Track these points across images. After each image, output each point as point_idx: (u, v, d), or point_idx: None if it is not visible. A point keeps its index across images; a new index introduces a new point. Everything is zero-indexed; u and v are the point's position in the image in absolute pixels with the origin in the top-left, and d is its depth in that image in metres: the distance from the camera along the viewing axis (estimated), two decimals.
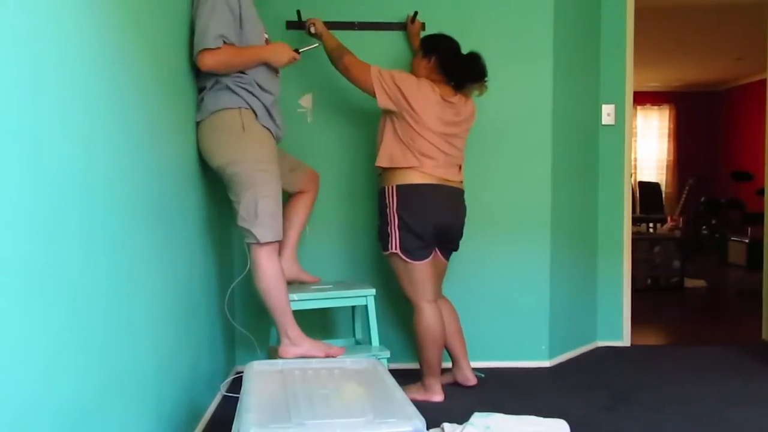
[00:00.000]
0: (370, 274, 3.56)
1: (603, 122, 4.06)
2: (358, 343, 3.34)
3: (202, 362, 2.78)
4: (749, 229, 7.86)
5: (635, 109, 10.28)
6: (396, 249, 2.98)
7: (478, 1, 3.59)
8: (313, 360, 2.43)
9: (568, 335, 3.84)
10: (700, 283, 6.41)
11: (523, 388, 3.25)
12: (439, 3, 3.57)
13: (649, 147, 10.81)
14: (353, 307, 3.36)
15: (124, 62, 1.85)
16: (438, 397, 3.06)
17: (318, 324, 3.56)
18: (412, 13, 3.50)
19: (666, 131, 10.80)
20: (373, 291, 3.09)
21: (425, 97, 2.99)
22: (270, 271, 2.70)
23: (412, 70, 3.18)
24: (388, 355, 3.03)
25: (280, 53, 2.76)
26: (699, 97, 10.76)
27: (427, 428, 1.70)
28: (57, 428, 1.41)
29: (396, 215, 2.97)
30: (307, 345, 2.77)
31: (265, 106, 2.74)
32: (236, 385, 2.91)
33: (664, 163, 10.82)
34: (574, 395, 3.16)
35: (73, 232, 1.49)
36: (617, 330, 4.12)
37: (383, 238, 3.03)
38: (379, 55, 3.53)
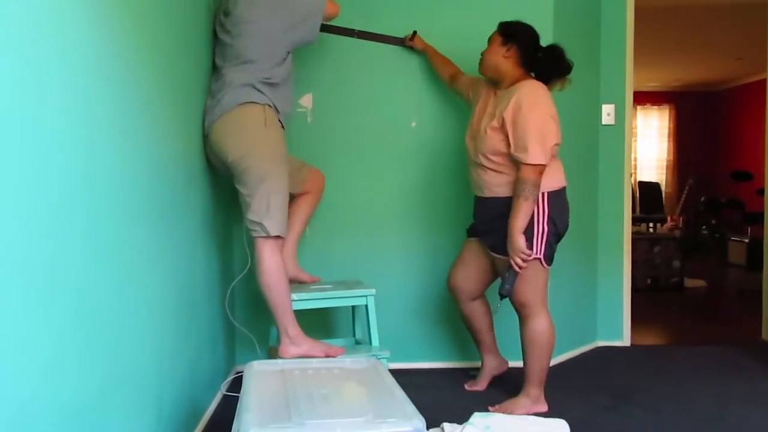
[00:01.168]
0: (370, 274, 3.55)
1: (603, 122, 4.06)
2: (358, 343, 3.34)
3: (202, 362, 2.78)
4: (749, 229, 7.86)
5: (635, 108, 10.28)
6: (541, 255, 2.86)
7: (478, 2, 3.59)
8: (313, 360, 2.43)
9: (568, 335, 3.84)
10: (700, 283, 6.41)
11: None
12: (439, 3, 3.57)
13: (649, 147, 10.82)
14: (353, 307, 3.36)
15: (125, 61, 1.84)
16: (545, 407, 2.94)
17: (318, 324, 3.56)
18: (411, 33, 3.51)
19: (666, 131, 10.81)
20: (373, 291, 3.09)
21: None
22: (274, 266, 2.72)
23: (486, 60, 3.02)
24: (388, 355, 3.02)
25: None
26: (699, 97, 10.76)
27: (427, 428, 1.70)
28: (57, 428, 1.41)
29: (547, 221, 2.85)
30: (307, 345, 2.76)
31: (282, 109, 2.85)
32: (236, 385, 2.91)
33: (664, 163, 10.82)
34: (574, 395, 3.16)
35: (73, 231, 1.49)
36: (617, 330, 4.12)
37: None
38: (377, 66, 3.54)
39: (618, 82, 4.07)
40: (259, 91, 2.75)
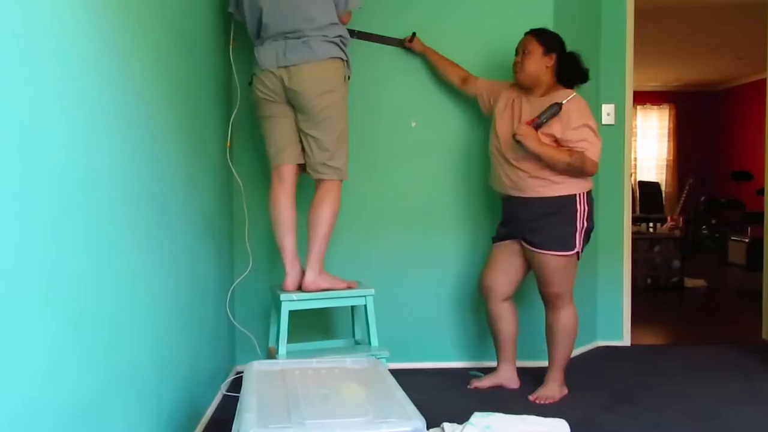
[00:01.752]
0: (370, 274, 3.55)
1: (603, 122, 4.06)
2: (357, 343, 3.34)
3: (202, 362, 2.78)
4: (749, 229, 7.86)
5: (635, 108, 10.28)
6: (580, 249, 3.10)
7: (477, 2, 3.59)
8: (313, 360, 2.43)
9: None
10: (700, 282, 6.41)
11: (524, 388, 3.25)
12: (439, 4, 3.57)
13: (649, 147, 10.82)
14: (352, 307, 3.36)
15: (125, 63, 1.84)
16: (566, 390, 3.18)
17: (317, 324, 3.56)
18: (411, 34, 3.51)
19: (666, 131, 10.81)
20: (372, 291, 3.10)
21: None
22: (338, 207, 3.04)
23: (528, 68, 3.08)
24: (388, 355, 3.02)
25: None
26: (699, 97, 10.76)
27: (427, 428, 1.70)
28: (57, 428, 1.41)
29: (587, 218, 3.09)
30: (330, 279, 3.07)
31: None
32: (236, 385, 2.91)
33: (664, 163, 10.82)
34: (574, 395, 3.16)
35: (74, 232, 1.49)
36: (617, 330, 4.12)
37: (567, 240, 3.06)
38: (377, 66, 3.54)
39: (618, 82, 4.07)
40: (341, 48, 2.98)
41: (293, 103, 2.97)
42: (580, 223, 3.06)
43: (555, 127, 2.99)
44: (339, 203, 3.05)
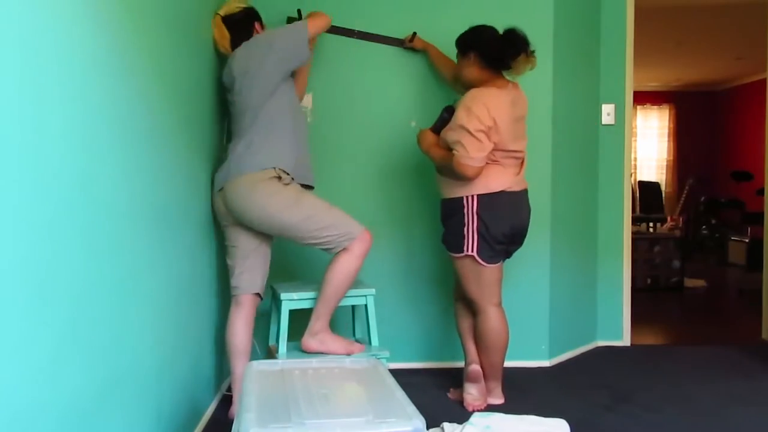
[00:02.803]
0: (370, 274, 3.55)
1: (603, 122, 4.06)
2: (357, 342, 3.33)
3: (202, 362, 2.78)
4: (749, 229, 7.86)
5: (635, 108, 10.28)
6: (473, 252, 2.95)
7: (477, 2, 3.59)
8: (313, 359, 2.43)
9: (568, 335, 3.84)
10: (700, 282, 6.41)
11: (523, 388, 3.25)
12: (439, 4, 3.57)
13: (649, 147, 10.82)
14: (353, 307, 3.36)
15: (126, 64, 1.84)
16: (499, 400, 3.05)
17: None
18: (411, 34, 3.51)
19: (666, 131, 10.80)
20: (372, 290, 3.09)
21: (502, 110, 2.91)
22: (353, 265, 2.84)
23: (461, 74, 3.08)
24: (388, 355, 3.02)
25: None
26: (699, 97, 10.75)
27: (427, 428, 1.70)
28: (57, 428, 1.41)
29: (477, 222, 2.94)
30: (330, 341, 2.90)
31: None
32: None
33: (664, 163, 10.82)
34: (574, 395, 3.16)
35: (74, 233, 1.49)
36: (617, 330, 4.12)
37: (458, 242, 2.97)
38: (377, 66, 3.54)
39: (618, 82, 4.07)
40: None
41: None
42: (470, 227, 2.93)
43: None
44: (355, 263, 2.84)
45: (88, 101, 1.60)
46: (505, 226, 2.97)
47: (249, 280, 2.89)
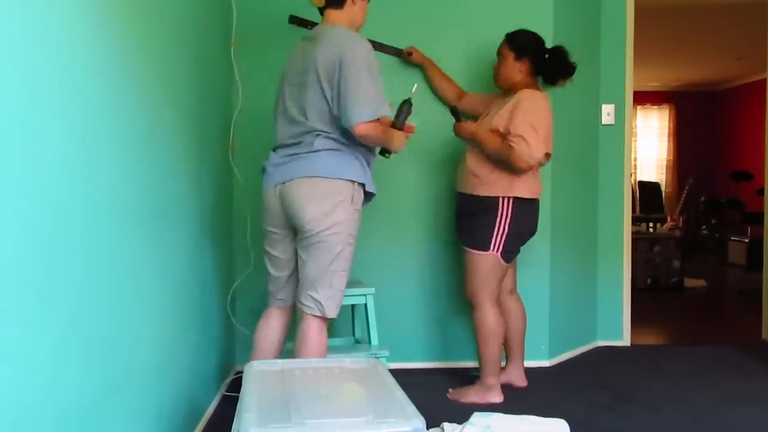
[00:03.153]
0: (370, 274, 3.56)
1: (603, 122, 4.06)
2: (357, 342, 3.34)
3: (202, 362, 2.78)
4: (749, 228, 7.86)
5: (635, 108, 10.27)
6: (498, 251, 3.04)
7: (477, 2, 3.59)
8: (313, 360, 2.43)
9: (568, 335, 3.84)
10: (700, 282, 6.41)
11: (523, 388, 3.25)
12: (439, 3, 3.57)
13: (649, 147, 10.82)
14: (352, 306, 3.36)
15: (125, 63, 1.84)
16: (498, 398, 3.06)
17: None
18: (406, 49, 3.49)
19: (666, 131, 10.81)
20: (372, 290, 3.10)
21: (551, 116, 3.09)
22: (321, 348, 2.57)
23: (501, 75, 3.16)
24: (387, 354, 3.03)
25: (400, 142, 2.68)
26: (699, 97, 10.76)
27: (427, 428, 1.70)
28: (57, 428, 1.41)
29: (510, 222, 3.03)
30: None
31: None
32: (236, 385, 2.91)
33: (664, 163, 10.83)
34: (574, 395, 3.16)
35: (73, 232, 1.49)
36: (617, 330, 4.12)
37: (484, 240, 3.04)
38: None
39: (618, 82, 4.07)
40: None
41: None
42: (501, 227, 3.01)
43: (501, 120, 3.01)
44: (323, 345, 2.57)
45: (88, 101, 1.59)
46: (529, 229, 3.13)
47: (292, 292, 2.71)
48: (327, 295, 2.54)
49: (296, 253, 2.62)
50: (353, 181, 2.55)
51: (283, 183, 2.55)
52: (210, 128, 2.96)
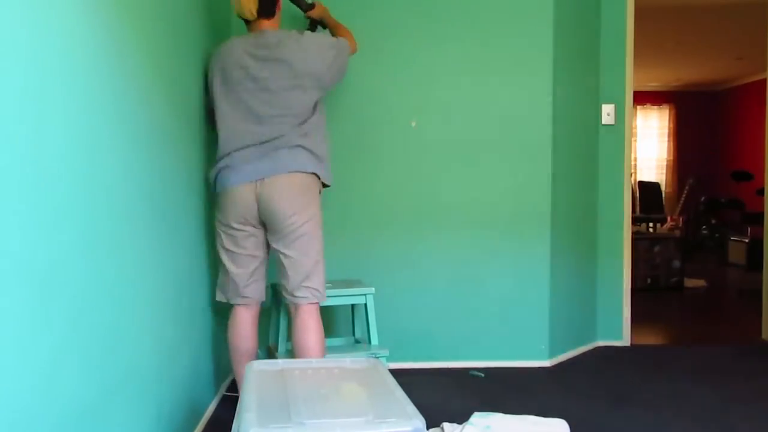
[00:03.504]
0: (370, 274, 3.56)
1: (603, 122, 4.06)
2: (357, 341, 3.34)
3: (202, 362, 2.78)
4: (749, 228, 7.87)
5: (635, 108, 10.28)
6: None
7: (477, 2, 3.59)
8: (313, 359, 2.43)
9: (568, 335, 3.84)
10: (700, 282, 6.41)
11: (523, 388, 3.25)
12: (439, 3, 3.57)
13: (649, 147, 10.82)
14: (352, 306, 3.36)
15: (126, 65, 1.84)
16: None
17: None
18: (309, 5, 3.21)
19: (666, 131, 10.81)
20: (372, 290, 3.10)
21: None
22: (322, 329, 2.74)
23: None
24: (387, 354, 3.03)
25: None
26: (699, 97, 10.76)
27: (427, 428, 1.70)
28: (57, 428, 1.41)
29: None
30: None
31: None
32: (236, 385, 2.91)
33: (664, 163, 10.83)
34: (574, 395, 3.16)
35: (74, 233, 1.49)
36: (617, 330, 4.12)
37: None
38: (377, 66, 3.53)
39: (618, 82, 4.07)
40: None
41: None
42: None
43: None
44: (323, 329, 2.74)
45: (89, 101, 1.59)
46: None
47: (259, 290, 2.80)
48: (320, 281, 2.72)
49: (265, 250, 2.76)
50: (317, 175, 2.73)
51: (262, 179, 2.62)
52: (210, 128, 2.96)
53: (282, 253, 2.67)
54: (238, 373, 2.81)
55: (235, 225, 2.69)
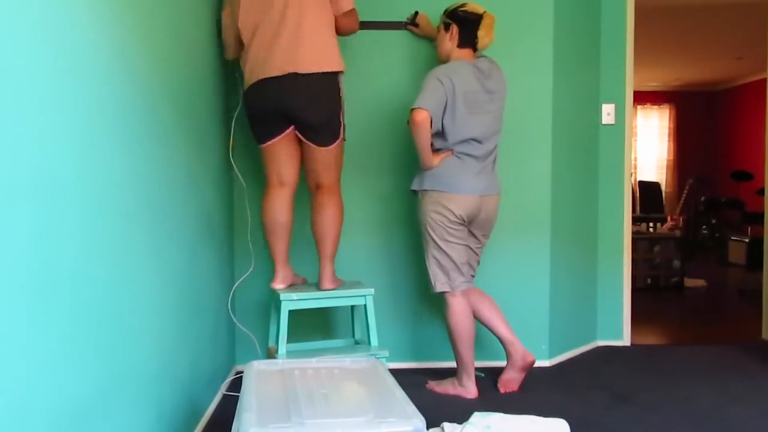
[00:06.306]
0: (370, 274, 3.56)
1: (603, 122, 4.06)
2: (357, 342, 3.34)
3: (202, 362, 2.78)
4: (749, 228, 7.87)
5: (635, 108, 10.28)
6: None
7: (477, 2, 3.59)
8: (313, 359, 2.43)
9: (568, 335, 3.84)
10: (700, 282, 6.41)
11: (523, 388, 3.25)
12: (439, 3, 3.57)
13: (649, 147, 10.82)
14: (352, 307, 3.36)
15: (128, 64, 1.84)
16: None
17: (317, 324, 3.56)
18: (412, 13, 3.50)
19: (666, 131, 10.81)
20: (371, 291, 3.10)
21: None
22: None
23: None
24: (387, 355, 3.03)
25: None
26: (699, 96, 10.76)
27: (427, 428, 1.70)
28: (57, 428, 1.41)
29: None
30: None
31: None
32: (236, 385, 2.91)
33: (664, 163, 10.83)
34: (574, 395, 3.16)
35: (74, 232, 1.49)
36: (617, 330, 4.12)
37: None
38: (378, 66, 3.54)
39: (618, 81, 4.07)
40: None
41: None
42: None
43: None
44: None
45: (89, 101, 1.59)
46: None
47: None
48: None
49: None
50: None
51: (488, 195, 3.15)
52: (210, 127, 2.96)
53: (477, 245, 3.28)
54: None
55: (460, 227, 3.18)
